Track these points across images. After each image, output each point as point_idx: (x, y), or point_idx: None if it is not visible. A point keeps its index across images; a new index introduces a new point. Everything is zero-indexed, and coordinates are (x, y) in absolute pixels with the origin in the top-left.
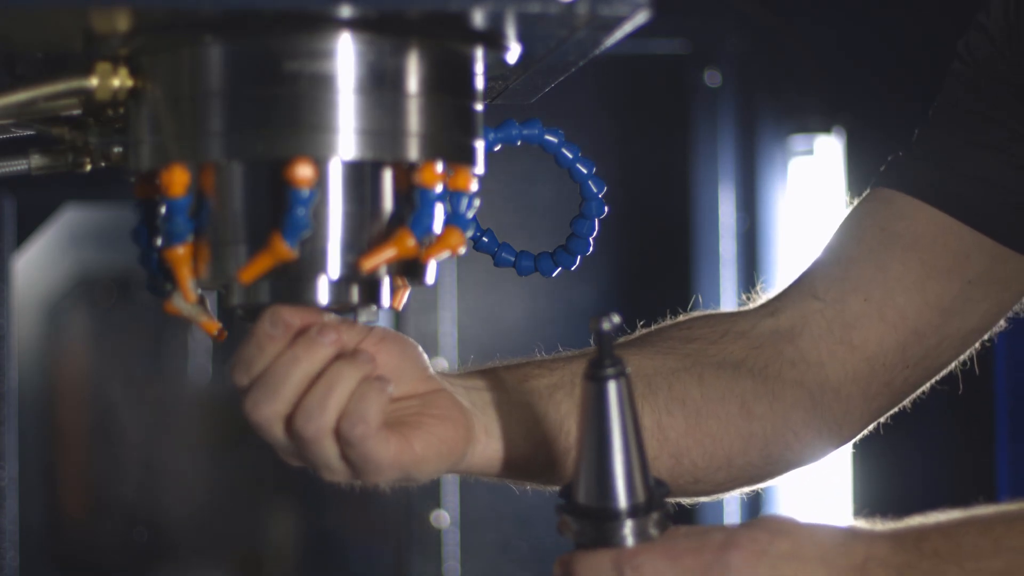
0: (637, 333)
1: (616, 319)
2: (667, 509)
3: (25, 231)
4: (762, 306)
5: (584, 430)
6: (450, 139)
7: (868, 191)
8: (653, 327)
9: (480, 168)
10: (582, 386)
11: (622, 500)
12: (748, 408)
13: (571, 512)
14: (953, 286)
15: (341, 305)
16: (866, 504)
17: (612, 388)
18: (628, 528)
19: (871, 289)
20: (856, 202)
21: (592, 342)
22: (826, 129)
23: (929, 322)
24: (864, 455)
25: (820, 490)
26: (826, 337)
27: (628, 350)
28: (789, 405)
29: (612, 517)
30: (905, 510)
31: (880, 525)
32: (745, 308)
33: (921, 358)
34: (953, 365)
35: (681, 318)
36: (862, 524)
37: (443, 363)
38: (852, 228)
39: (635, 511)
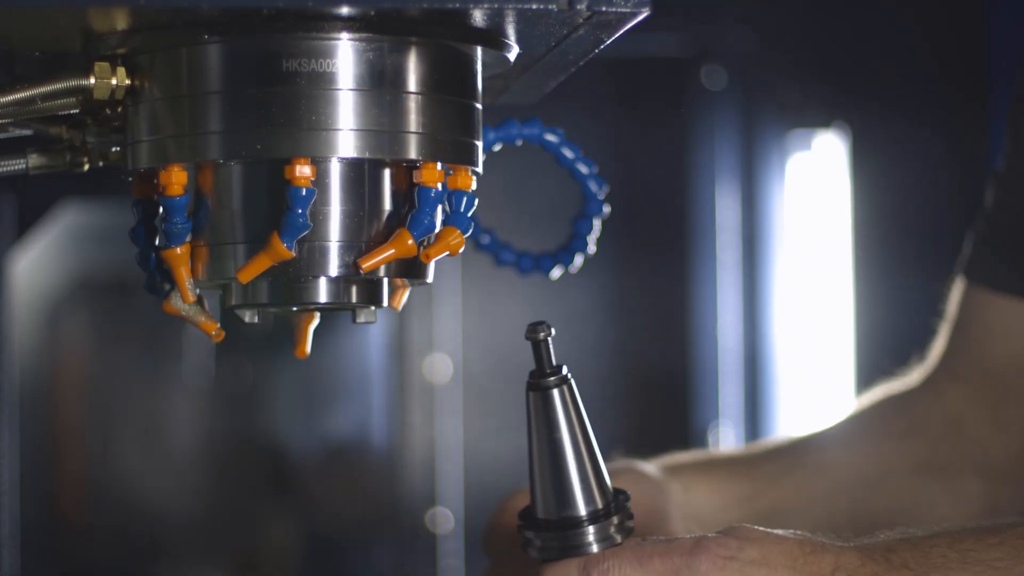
0: (842, 419)
1: (552, 329)
2: (628, 513)
3: (25, 231)
4: (926, 389)
5: (535, 442)
6: (450, 139)
7: (957, 278)
8: (857, 412)
9: (480, 168)
10: (527, 398)
11: (581, 507)
12: (938, 516)
13: (532, 528)
14: None
15: (340, 305)
16: None
17: (556, 396)
18: (591, 534)
19: (1001, 373)
20: (954, 286)
21: (532, 352)
22: (825, 124)
23: None
24: None
25: None
26: (981, 420)
27: (836, 453)
28: (969, 501)
29: (574, 525)
30: None
31: (848, 538)
32: (911, 388)
33: None
34: None
35: (865, 401)
36: (830, 536)
37: (447, 360)
38: (957, 316)
39: (596, 516)
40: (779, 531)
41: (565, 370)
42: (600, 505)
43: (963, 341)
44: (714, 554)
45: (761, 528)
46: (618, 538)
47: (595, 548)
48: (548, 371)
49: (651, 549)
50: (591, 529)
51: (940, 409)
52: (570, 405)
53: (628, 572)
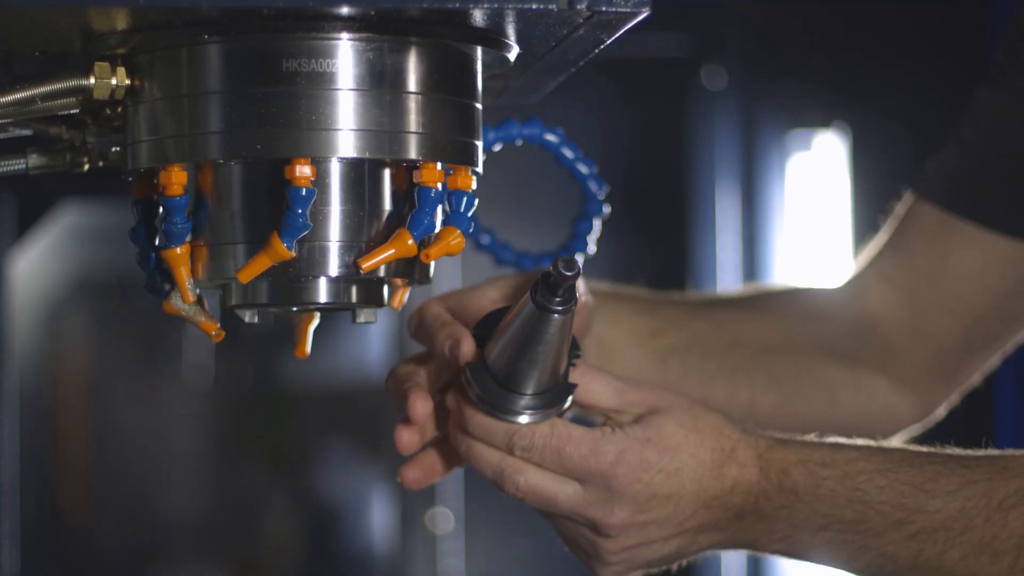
0: (748, 291)
1: (579, 271)
2: (562, 408)
3: (25, 231)
4: (849, 286)
5: (516, 330)
6: (450, 139)
7: (908, 193)
8: (762, 290)
9: (480, 168)
10: (528, 300)
11: (529, 389)
12: (834, 397)
13: (479, 374)
14: (1014, 270)
15: (340, 305)
16: None
17: (554, 320)
18: (526, 412)
19: (935, 279)
20: (917, 191)
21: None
22: (825, 124)
23: (992, 307)
24: None
25: None
26: (901, 326)
27: (740, 314)
28: (870, 395)
29: (515, 398)
30: None
31: (764, 434)
32: (828, 288)
33: (985, 341)
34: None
35: (781, 287)
36: (750, 433)
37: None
38: (915, 218)
39: (537, 402)
40: (700, 432)
41: (573, 303)
42: (544, 393)
43: (902, 246)
44: (633, 468)
45: (684, 430)
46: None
47: (530, 421)
48: (559, 297)
49: (575, 448)
50: (528, 409)
51: (857, 306)
52: (561, 329)
53: (546, 457)
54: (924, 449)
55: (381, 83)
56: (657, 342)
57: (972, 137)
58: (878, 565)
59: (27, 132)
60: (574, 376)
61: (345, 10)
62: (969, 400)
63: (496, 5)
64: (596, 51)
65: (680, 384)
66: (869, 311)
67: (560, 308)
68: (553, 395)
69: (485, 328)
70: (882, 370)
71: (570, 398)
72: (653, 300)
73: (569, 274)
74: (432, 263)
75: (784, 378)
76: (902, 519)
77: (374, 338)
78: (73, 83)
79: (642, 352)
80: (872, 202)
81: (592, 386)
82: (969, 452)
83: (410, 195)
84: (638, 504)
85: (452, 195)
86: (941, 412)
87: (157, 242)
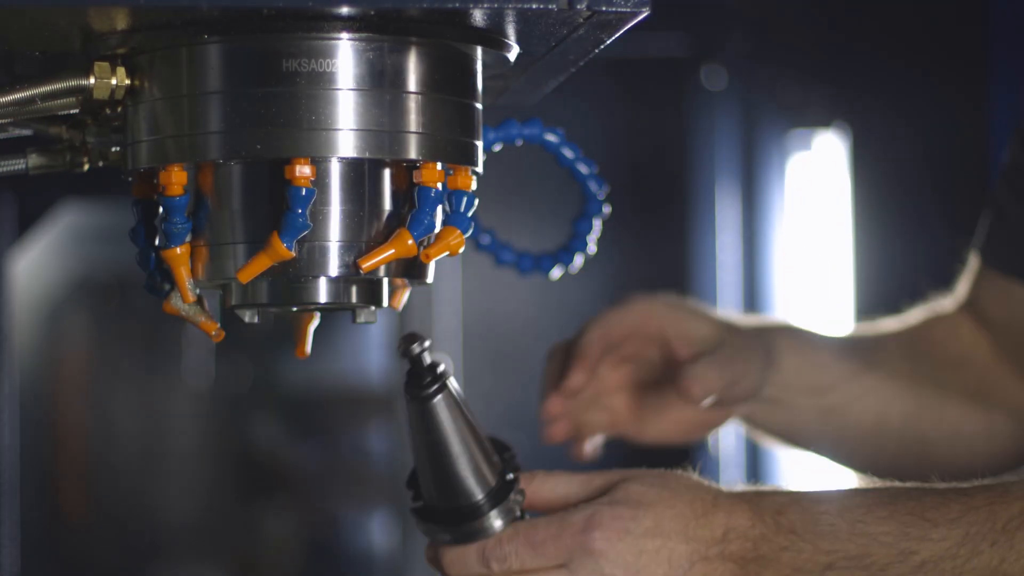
0: (908, 324)
1: (427, 343)
2: (517, 499)
3: (25, 231)
4: (966, 318)
5: (419, 443)
6: (450, 139)
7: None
8: (916, 323)
9: (480, 168)
10: (407, 405)
11: (472, 494)
12: (970, 445)
13: (425, 516)
14: None
15: (340, 305)
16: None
17: (439, 404)
18: (482, 522)
19: (1009, 334)
20: (975, 250)
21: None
22: (825, 124)
23: None
24: None
25: (823, 468)
26: (1008, 367)
27: (900, 364)
28: (1003, 439)
29: (465, 511)
30: None
31: (747, 488)
32: (955, 314)
33: None
34: None
35: (918, 317)
36: (730, 488)
37: (447, 360)
38: (979, 276)
39: (485, 505)
40: (671, 488)
41: (444, 375)
42: (489, 492)
43: (977, 301)
44: (608, 528)
45: (655, 488)
46: (508, 520)
47: (492, 531)
48: (427, 381)
49: (544, 533)
50: (481, 519)
51: (984, 342)
52: (450, 409)
53: (525, 558)
54: (919, 484)
55: (381, 83)
56: (827, 399)
57: (1007, 195)
58: None
59: (27, 132)
60: (533, 486)
61: (345, 10)
62: None
63: (496, 5)
64: (596, 51)
65: (833, 446)
66: (992, 353)
67: (434, 388)
68: (498, 489)
69: (415, 493)
70: (1008, 411)
71: (519, 489)
72: (835, 350)
73: (415, 345)
74: (432, 263)
75: (928, 438)
76: (907, 549)
77: (374, 338)
78: (73, 83)
79: (809, 406)
80: (872, 202)
81: (558, 488)
82: (964, 484)
83: (410, 195)
84: (627, 564)
85: (452, 195)
86: None
87: (157, 242)
